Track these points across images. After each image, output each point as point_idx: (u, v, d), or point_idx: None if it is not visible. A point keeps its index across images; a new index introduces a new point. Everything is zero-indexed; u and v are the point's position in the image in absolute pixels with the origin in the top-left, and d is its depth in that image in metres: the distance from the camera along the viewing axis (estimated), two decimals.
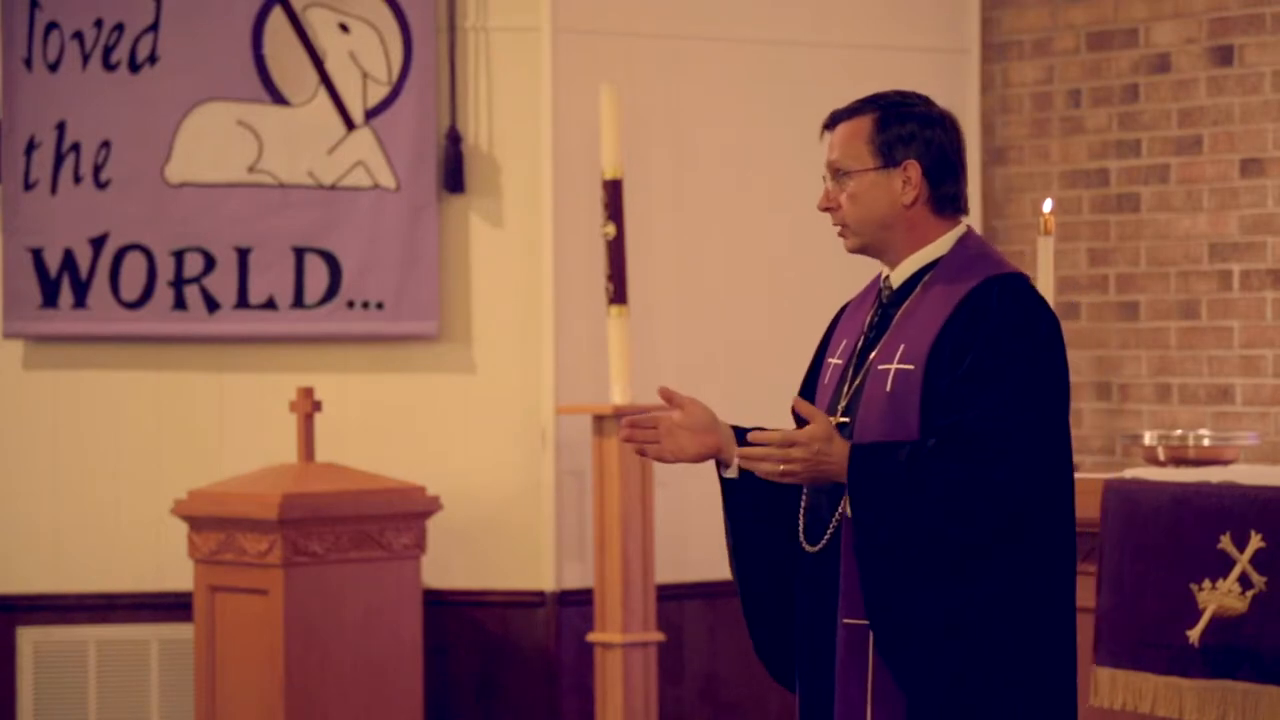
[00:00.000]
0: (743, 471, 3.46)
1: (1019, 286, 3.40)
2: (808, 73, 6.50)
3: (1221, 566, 4.30)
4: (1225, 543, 4.30)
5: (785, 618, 3.52)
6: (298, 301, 6.15)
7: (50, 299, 6.12)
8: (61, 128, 6.13)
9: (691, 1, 6.38)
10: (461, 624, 6.15)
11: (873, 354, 3.44)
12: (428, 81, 6.16)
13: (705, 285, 6.37)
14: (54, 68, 6.13)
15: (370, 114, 6.16)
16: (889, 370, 3.40)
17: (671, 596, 6.19)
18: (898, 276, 3.50)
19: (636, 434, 3.47)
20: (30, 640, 6.14)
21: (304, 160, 6.15)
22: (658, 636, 5.96)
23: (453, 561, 6.11)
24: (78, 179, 6.13)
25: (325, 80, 6.16)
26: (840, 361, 3.51)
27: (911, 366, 3.36)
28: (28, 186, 6.13)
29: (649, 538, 5.94)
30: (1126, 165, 6.38)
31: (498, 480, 6.15)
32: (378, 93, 6.16)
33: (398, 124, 6.15)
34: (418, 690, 5.82)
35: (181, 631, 6.03)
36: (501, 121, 6.20)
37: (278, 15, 6.15)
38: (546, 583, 6.13)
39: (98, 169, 6.13)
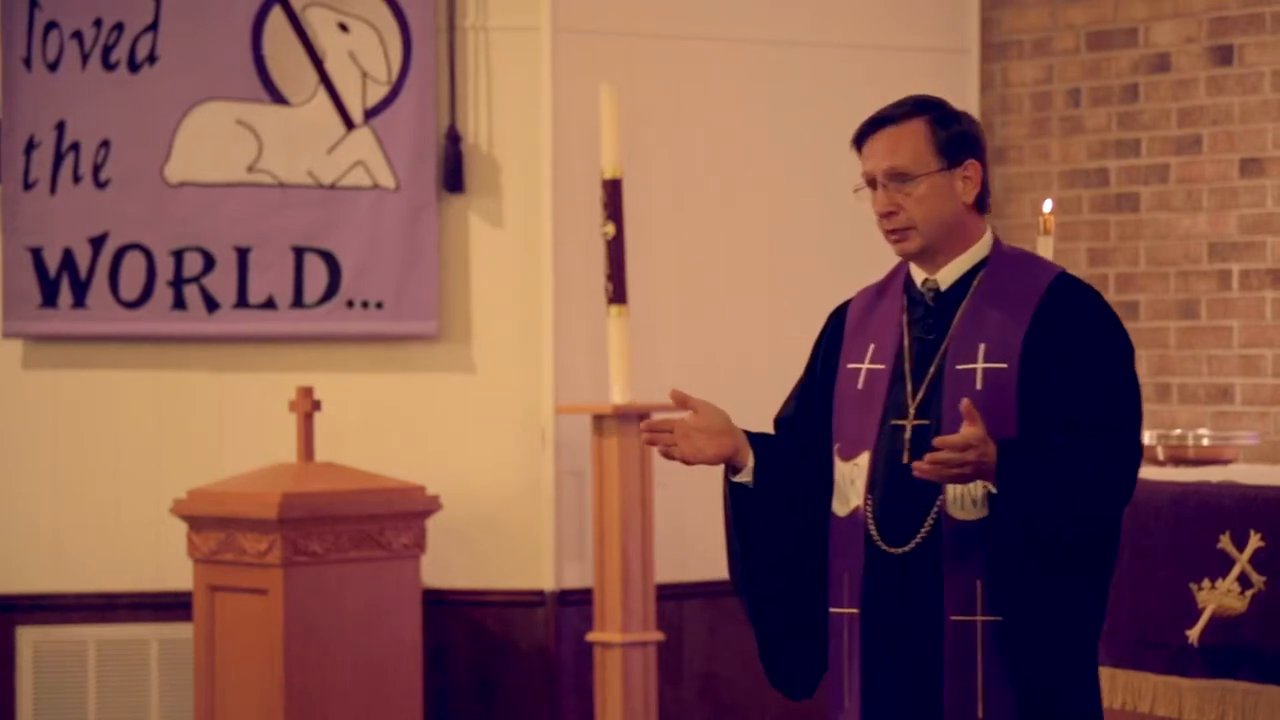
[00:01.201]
0: (757, 476, 3.49)
1: (1088, 285, 3.50)
2: (808, 73, 6.50)
3: (1221, 566, 4.30)
4: (1225, 542, 4.30)
5: (794, 619, 3.54)
6: (297, 301, 6.15)
7: (50, 299, 6.12)
8: (61, 127, 6.13)
9: (691, 1, 6.38)
10: (461, 623, 6.15)
11: (939, 357, 3.45)
12: (427, 81, 6.16)
13: (705, 285, 6.37)
14: (53, 67, 6.13)
15: (370, 114, 6.16)
16: (974, 370, 3.41)
17: (671, 596, 6.19)
18: (947, 277, 3.51)
19: (655, 436, 3.51)
20: (30, 640, 6.14)
21: (303, 160, 6.15)
22: (657, 636, 5.96)
23: (452, 561, 6.11)
24: (77, 178, 6.13)
25: (325, 80, 6.16)
26: (883, 366, 3.49)
27: (1004, 365, 3.39)
28: (27, 186, 6.12)
29: (648, 537, 5.94)
30: (1126, 165, 6.38)
31: (497, 480, 6.15)
32: (377, 92, 6.16)
33: (397, 124, 6.15)
34: (417, 690, 5.81)
35: (181, 631, 6.02)
36: (501, 121, 6.20)
37: (277, 15, 6.15)
38: (546, 582, 6.13)
39: (97, 168, 6.13)
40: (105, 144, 6.12)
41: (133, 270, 6.13)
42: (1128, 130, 6.38)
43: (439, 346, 6.19)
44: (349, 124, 6.16)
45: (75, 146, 6.12)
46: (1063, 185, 6.52)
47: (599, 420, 5.97)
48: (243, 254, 6.15)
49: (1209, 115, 6.18)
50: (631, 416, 5.94)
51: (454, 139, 6.17)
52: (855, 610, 3.44)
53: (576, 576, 6.13)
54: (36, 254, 6.12)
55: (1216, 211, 6.18)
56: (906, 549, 3.40)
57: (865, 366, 3.51)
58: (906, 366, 3.48)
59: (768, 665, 3.60)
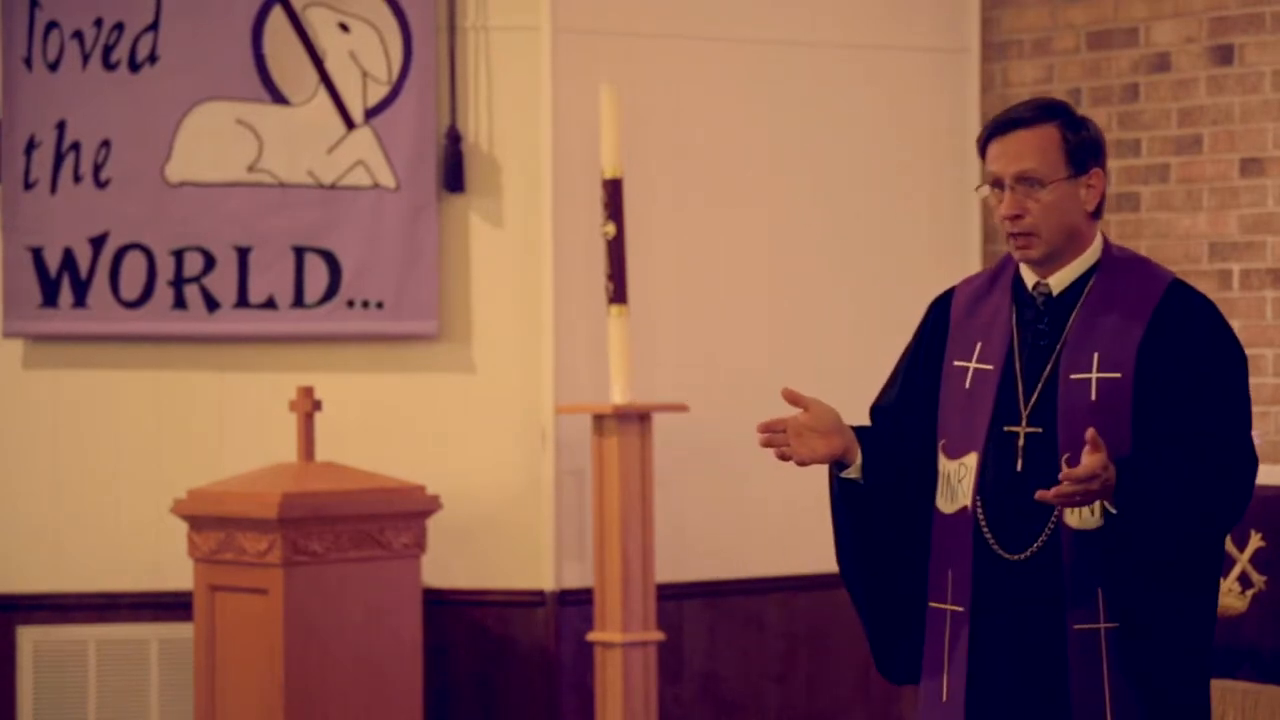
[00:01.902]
0: (865, 472, 3.54)
1: (1199, 292, 3.53)
2: (808, 72, 6.50)
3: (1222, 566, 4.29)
4: (1225, 542, 4.30)
5: (904, 609, 3.56)
6: (298, 301, 6.15)
7: (50, 298, 6.12)
8: (61, 127, 6.13)
9: (692, 1, 6.38)
10: (461, 623, 6.15)
11: (1052, 363, 3.46)
12: (428, 81, 6.16)
13: (705, 284, 6.37)
14: (54, 67, 6.13)
15: (370, 113, 6.16)
16: (1089, 380, 3.43)
17: (671, 596, 6.19)
18: (1059, 282, 3.52)
19: (771, 438, 3.56)
20: (30, 639, 6.14)
21: (304, 160, 6.15)
22: (657, 636, 5.96)
23: (452, 561, 6.11)
24: (77, 178, 6.13)
25: (325, 80, 6.16)
26: (990, 367, 3.50)
27: (1118, 375, 3.41)
28: (28, 186, 6.12)
29: (649, 537, 5.94)
30: (1126, 165, 6.38)
31: (497, 480, 6.15)
32: (378, 92, 6.16)
33: (398, 123, 6.15)
34: (417, 689, 5.81)
35: (181, 631, 6.02)
36: (501, 121, 6.20)
37: (278, 15, 6.15)
38: (546, 582, 6.13)
39: (97, 168, 6.13)
40: (106, 144, 6.12)
41: (133, 270, 6.13)
42: (1128, 130, 6.38)
43: (439, 346, 6.19)
44: (349, 124, 6.16)
45: (76, 146, 6.12)
46: None
47: (599, 420, 5.97)
48: (243, 254, 6.15)
49: (1209, 115, 6.18)
50: (632, 416, 5.94)
51: (454, 139, 6.17)
52: (961, 609, 3.46)
53: (577, 576, 6.13)
54: (37, 254, 6.12)
55: (1217, 211, 6.18)
56: (1024, 555, 3.43)
57: (973, 365, 3.52)
58: (1017, 370, 3.49)
59: (878, 655, 3.63)
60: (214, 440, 6.15)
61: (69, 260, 6.12)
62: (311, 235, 6.15)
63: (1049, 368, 3.46)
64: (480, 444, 6.16)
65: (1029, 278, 3.53)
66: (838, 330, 6.54)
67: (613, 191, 6.01)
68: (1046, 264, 3.50)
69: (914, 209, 6.66)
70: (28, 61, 6.13)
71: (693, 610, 6.31)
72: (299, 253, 6.15)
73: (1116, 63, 6.41)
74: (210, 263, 6.14)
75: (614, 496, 5.90)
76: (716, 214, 6.40)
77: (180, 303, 6.14)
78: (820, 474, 6.86)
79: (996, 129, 3.51)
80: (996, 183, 3.49)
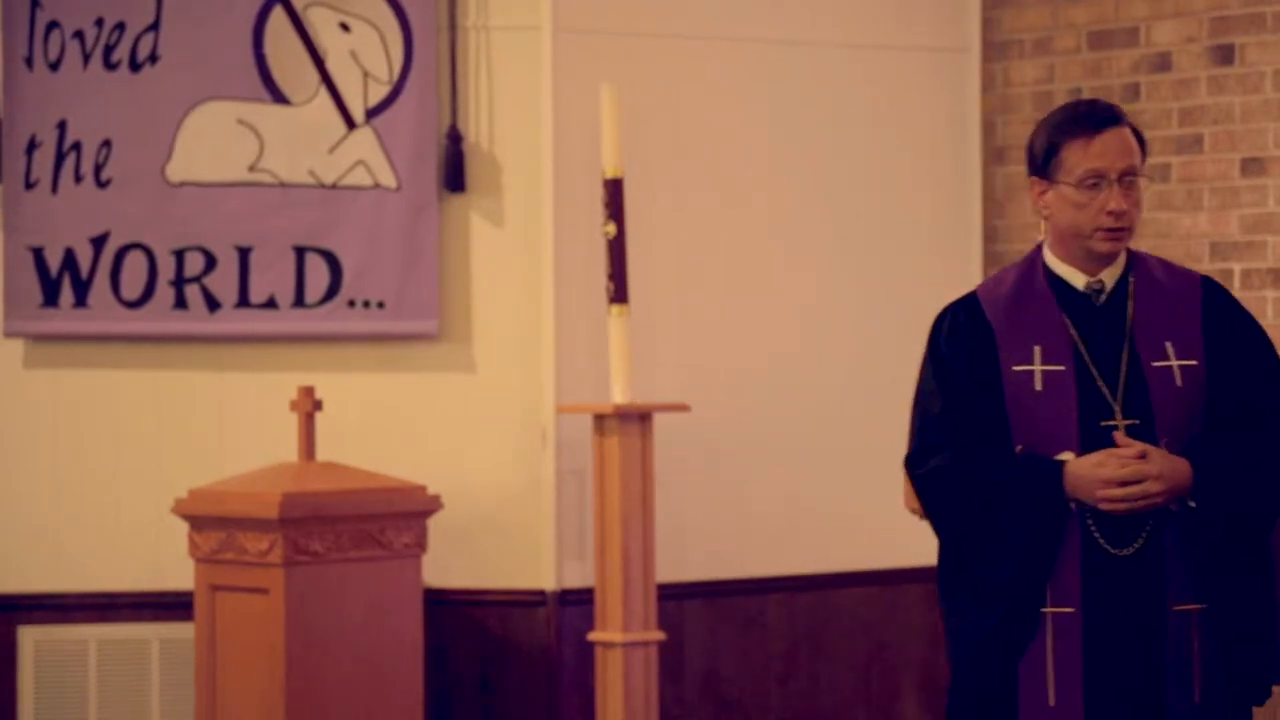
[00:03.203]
0: None
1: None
2: (809, 72, 6.50)
3: None
4: None
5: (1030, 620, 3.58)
6: (298, 301, 6.15)
7: (51, 298, 6.12)
8: (62, 127, 6.13)
9: (692, 1, 6.38)
10: (462, 623, 6.15)
11: (1127, 355, 3.52)
12: (428, 81, 6.15)
13: (706, 284, 6.37)
14: (55, 67, 6.13)
15: (371, 113, 6.16)
16: (1171, 367, 3.52)
17: (672, 595, 6.19)
18: (1111, 278, 3.59)
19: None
20: (31, 639, 6.14)
21: (305, 159, 6.15)
22: (658, 635, 5.96)
23: (453, 561, 6.11)
24: (78, 178, 6.13)
25: (326, 79, 6.16)
26: (1062, 367, 3.53)
27: (1194, 361, 3.52)
28: (28, 186, 6.12)
29: (649, 537, 5.94)
30: None
31: (498, 479, 6.15)
32: (378, 92, 6.16)
33: (398, 123, 6.15)
34: (418, 689, 5.81)
35: (182, 631, 6.02)
36: (502, 121, 6.20)
37: (278, 14, 6.15)
38: (547, 582, 6.13)
39: (98, 168, 6.13)
40: (106, 143, 6.12)
41: (134, 270, 6.13)
42: None
43: (440, 346, 6.19)
44: (350, 123, 6.16)
45: (76, 146, 6.12)
46: None
47: (600, 420, 5.97)
48: (244, 254, 6.15)
49: (1210, 115, 6.18)
50: (632, 416, 5.94)
51: (455, 138, 6.17)
52: (1072, 610, 3.49)
53: (577, 576, 6.13)
54: (38, 253, 6.12)
55: (1217, 211, 6.18)
56: (1133, 549, 3.48)
57: (1039, 368, 3.53)
58: (1091, 367, 3.53)
59: (995, 670, 3.60)
60: (215, 440, 6.15)
61: (70, 260, 6.12)
62: (312, 235, 6.15)
63: (1125, 360, 3.52)
64: (481, 444, 6.16)
65: (1075, 277, 3.57)
66: (839, 330, 6.54)
67: (613, 191, 6.01)
68: (1105, 261, 3.56)
69: (914, 209, 6.65)
70: (29, 61, 6.12)
71: (693, 610, 6.31)
72: (300, 253, 6.15)
73: (1117, 62, 6.41)
74: (211, 263, 6.14)
75: (614, 496, 5.90)
76: (717, 214, 6.40)
77: (181, 303, 6.14)
78: (818, 474, 6.86)
79: (1106, 121, 3.53)
80: (1094, 177, 3.51)
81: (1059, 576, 3.50)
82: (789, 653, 6.46)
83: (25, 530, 6.16)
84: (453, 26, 6.19)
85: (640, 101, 6.20)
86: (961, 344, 3.61)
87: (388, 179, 6.16)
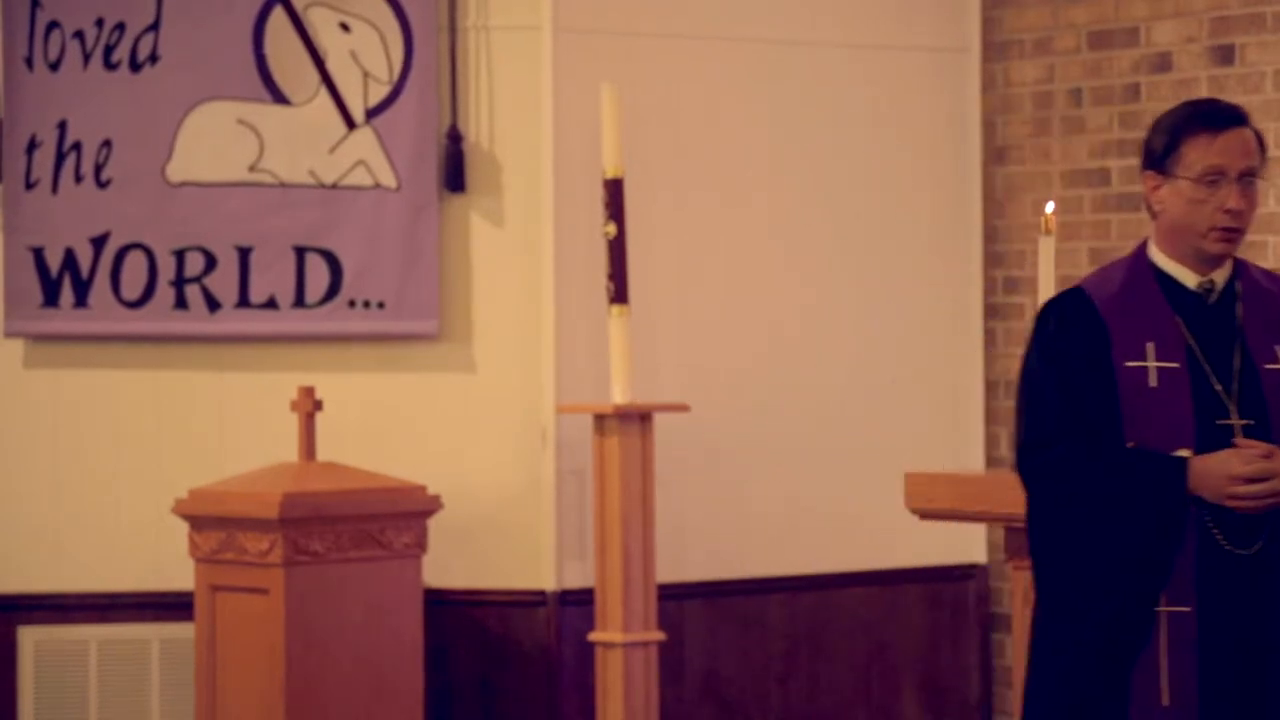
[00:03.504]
0: None
1: None
2: (809, 72, 6.50)
3: None
4: None
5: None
6: (299, 301, 6.15)
7: (51, 298, 6.12)
8: (63, 127, 6.13)
9: (693, 1, 6.38)
10: (462, 623, 6.15)
11: (1239, 356, 3.53)
12: (428, 81, 6.15)
13: (706, 284, 6.37)
14: (55, 67, 6.12)
15: (371, 113, 6.16)
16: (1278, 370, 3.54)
17: (672, 596, 6.19)
18: (1220, 279, 3.59)
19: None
20: (31, 639, 6.13)
21: (305, 159, 6.14)
22: (658, 636, 5.96)
23: (453, 561, 6.10)
24: (79, 178, 6.13)
25: (326, 79, 6.16)
26: (1176, 365, 3.52)
27: None
28: (29, 186, 6.12)
29: (649, 537, 5.94)
30: (1127, 164, 6.37)
31: (498, 479, 6.15)
32: (379, 92, 6.16)
33: (398, 123, 6.14)
34: (418, 689, 5.81)
35: (182, 631, 6.02)
36: (502, 121, 6.20)
37: (279, 14, 6.15)
38: (547, 582, 6.13)
39: (99, 168, 6.13)
40: (107, 143, 6.12)
41: (134, 270, 6.12)
42: (1129, 130, 6.37)
43: (440, 346, 6.19)
44: (350, 123, 6.16)
45: (77, 146, 6.12)
46: (1064, 185, 6.51)
47: (600, 420, 5.96)
48: (244, 254, 6.15)
49: None
50: (633, 416, 5.94)
51: (455, 138, 6.17)
52: (1188, 609, 3.48)
53: (577, 576, 6.13)
54: (38, 254, 6.12)
55: None
56: (1254, 549, 3.48)
57: (1153, 364, 3.53)
58: (1205, 365, 3.53)
59: (1106, 668, 3.56)
60: (215, 440, 6.15)
61: (70, 260, 6.12)
62: (312, 235, 6.14)
63: (1238, 361, 3.53)
64: (481, 444, 6.16)
65: (1186, 276, 3.57)
66: (839, 330, 6.53)
67: (614, 191, 6.01)
68: (1215, 262, 3.56)
69: (915, 209, 6.65)
70: (29, 61, 6.12)
71: (694, 610, 6.31)
72: (300, 253, 6.15)
73: (1117, 62, 6.41)
74: (211, 263, 6.14)
75: (615, 496, 5.90)
76: (717, 214, 6.39)
77: (181, 303, 6.13)
78: (818, 475, 6.86)
79: (1227, 121, 3.54)
80: (1215, 174, 3.50)
81: (1175, 574, 3.47)
82: (789, 653, 6.46)
83: (25, 530, 6.16)
84: (453, 26, 6.19)
85: (640, 101, 6.20)
86: (1074, 338, 3.56)
87: (388, 179, 6.15)
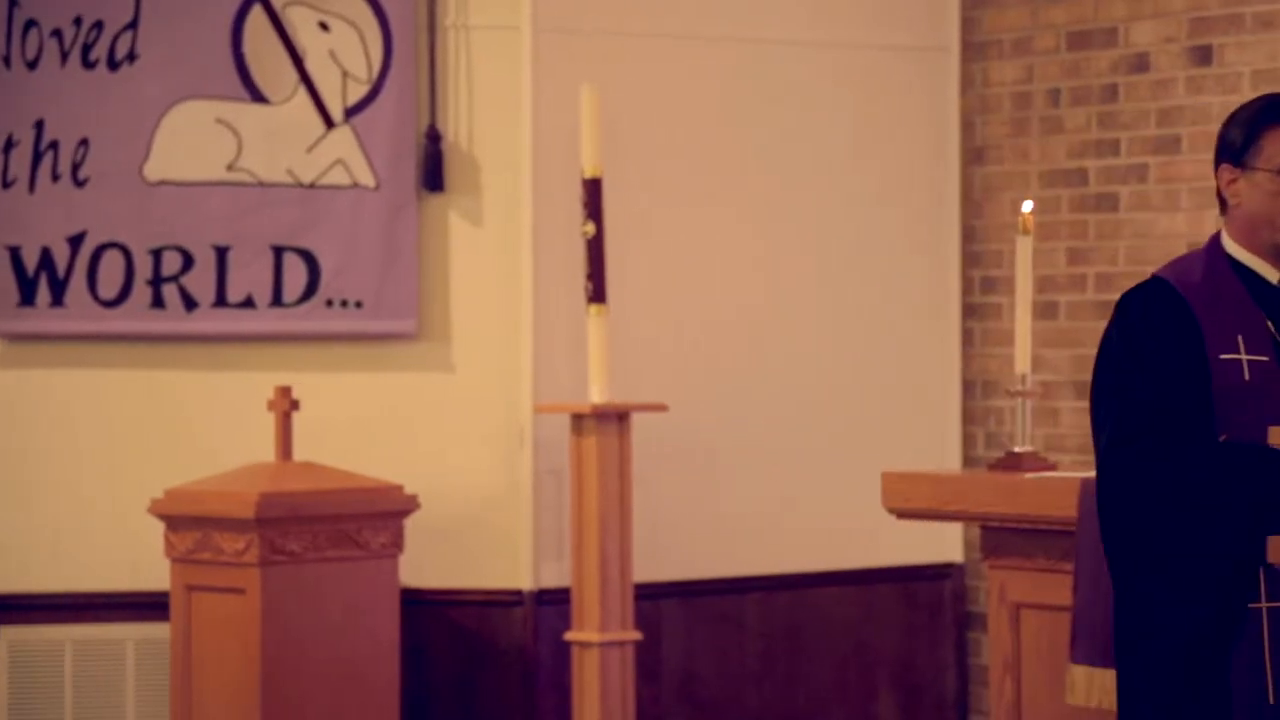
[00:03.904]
0: None
1: None
2: (789, 71, 6.50)
3: None
4: None
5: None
6: (276, 300, 6.14)
7: (28, 297, 6.11)
8: (40, 125, 6.11)
9: (672, 1, 6.38)
10: (439, 623, 6.14)
11: None
12: (408, 80, 6.15)
13: (684, 284, 6.37)
14: (32, 65, 6.11)
15: (350, 112, 6.15)
16: None
17: (649, 595, 6.19)
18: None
19: None
20: (6, 640, 6.12)
21: (283, 159, 6.14)
22: (635, 635, 5.96)
23: (430, 560, 6.10)
24: (56, 177, 6.11)
25: (305, 78, 6.15)
26: (1266, 358, 3.49)
27: None
28: (5, 184, 6.11)
29: (627, 536, 5.94)
30: (1105, 165, 6.38)
31: (476, 479, 6.15)
32: (357, 91, 6.16)
33: (377, 122, 6.14)
34: (394, 689, 5.81)
35: (158, 631, 6.01)
36: (481, 120, 6.19)
37: (257, 13, 6.14)
38: (524, 582, 6.13)
39: (76, 167, 6.12)
40: (84, 142, 6.11)
41: (111, 269, 6.11)
42: (1107, 130, 6.38)
43: (418, 346, 6.19)
44: (329, 123, 6.15)
45: (54, 145, 6.11)
46: (1042, 185, 6.52)
47: (578, 419, 5.96)
48: (221, 253, 6.14)
49: (1188, 115, 6.19)
50: (610, 416, 5.93)
51: (434, 138, 6.16)
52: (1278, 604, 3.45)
53: (554, 576, 6.13)
54: (15, 253, 6.11)
55: (1195, 211, 6.18)
56: None
57: (1245, 357, 3.49)
58: None
59: (1203, 665, 3.52)
60: (191, 440, 6.14)
61: (47, 259, 6.11)
62: (290, 234, 6.14)
63: None
64: (459, 443, 6.15)
65: (1265, 270, 3.55)
66: (817, 329, 6.54)
67: (592, 191, 6.01)
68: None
69: (893, 208, 6.65)
70: (6, 60, 6.11)
71: (670, 610, 6.30)
72: (278, 252, 6.14)
73: (1096, 63, 6.41)
74: (188, 262, 6.13)
75: (592, 496, 5.90)
76: (696, 213, 6.39)
77: (158, 302, 6.12)
78: (795, 474, 6.87)
79: None
80: None
81: (1270, 570, 3.41)
82: (766, 652, 6.46)
83: (2, 530, 6.14)
84: (432, 26, 6.18)
85: (620, 101, 6.20)
86: (1164, 330, 3.51)
87: (366, 178, 6.15)
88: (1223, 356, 3.48)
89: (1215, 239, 3.63)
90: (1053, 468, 4.88)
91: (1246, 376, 3.47)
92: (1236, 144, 3.55)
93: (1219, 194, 3.61)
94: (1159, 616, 3.51)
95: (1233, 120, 3.59)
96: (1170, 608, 3.50)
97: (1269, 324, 3.52)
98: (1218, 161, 3.60)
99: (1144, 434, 3.49)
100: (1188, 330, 3.50)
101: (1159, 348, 3.51)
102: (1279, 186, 3.48)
